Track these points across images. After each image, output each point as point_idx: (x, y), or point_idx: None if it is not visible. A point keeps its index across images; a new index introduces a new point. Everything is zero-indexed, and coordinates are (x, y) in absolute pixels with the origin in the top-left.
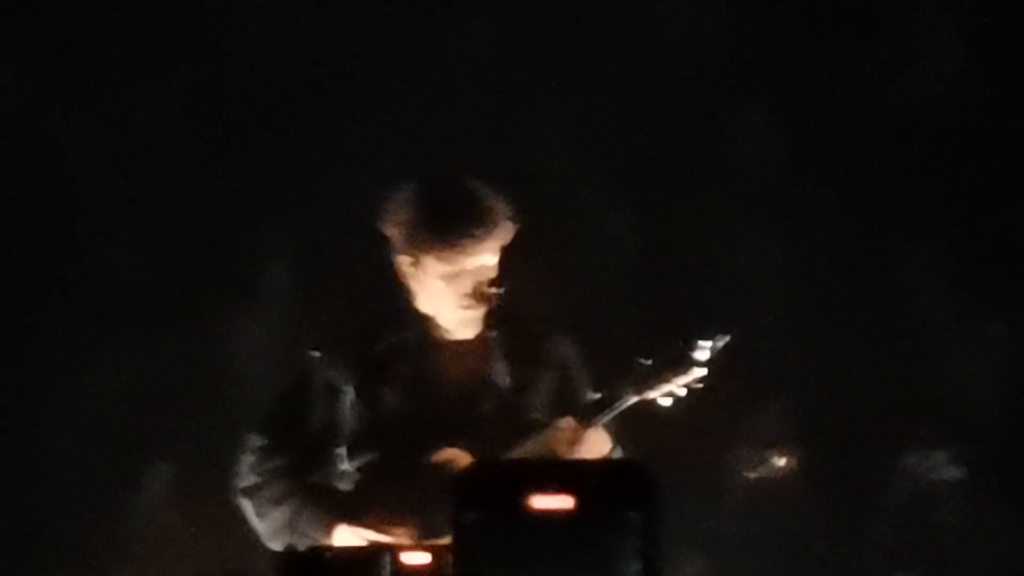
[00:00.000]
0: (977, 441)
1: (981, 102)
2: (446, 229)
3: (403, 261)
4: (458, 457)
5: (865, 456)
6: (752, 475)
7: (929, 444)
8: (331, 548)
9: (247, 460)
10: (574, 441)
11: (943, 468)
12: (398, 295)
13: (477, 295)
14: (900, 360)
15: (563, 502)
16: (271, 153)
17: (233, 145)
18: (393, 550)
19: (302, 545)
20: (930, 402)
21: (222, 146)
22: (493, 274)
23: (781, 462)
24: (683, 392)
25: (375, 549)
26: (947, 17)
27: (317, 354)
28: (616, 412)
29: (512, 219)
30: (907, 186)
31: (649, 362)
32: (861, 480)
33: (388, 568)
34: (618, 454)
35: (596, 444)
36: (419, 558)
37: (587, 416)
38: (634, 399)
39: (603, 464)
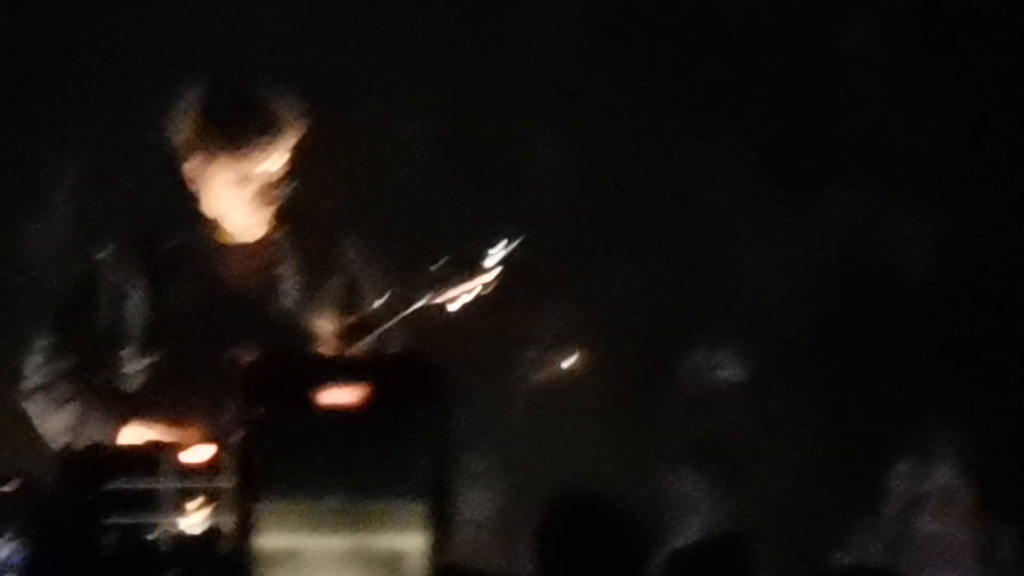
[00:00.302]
0: (765, 339)
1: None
2: (232, 135)
3: (189, 166)
4: (246, 357)
5: (653, 354)
6: (540, 376)
7: (718, 342)
8: (109, 446)
9: (32, 361)
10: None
11: (730, 366)
12: (183, 197)
13: (263, 198)
14: (691, 258)
15: (353, 396)
16: (59, 50)
17: (22, 34)
18: (172, 447)
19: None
20: (720, 299)
21: (9, 35)
22: (282, 173)
23: (568, 361)
24: (471, 297)
25: (153, 446)
26: None
27: (103, 254)
28: (401, 318)
29: (300, 120)
30: (699, 80)
31: (440, 264)
32: (648, 378)
33: (165, 464)
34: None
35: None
36: (198, 454)
37: (365, 326)
38: (422, 303)
39: (394, 358)
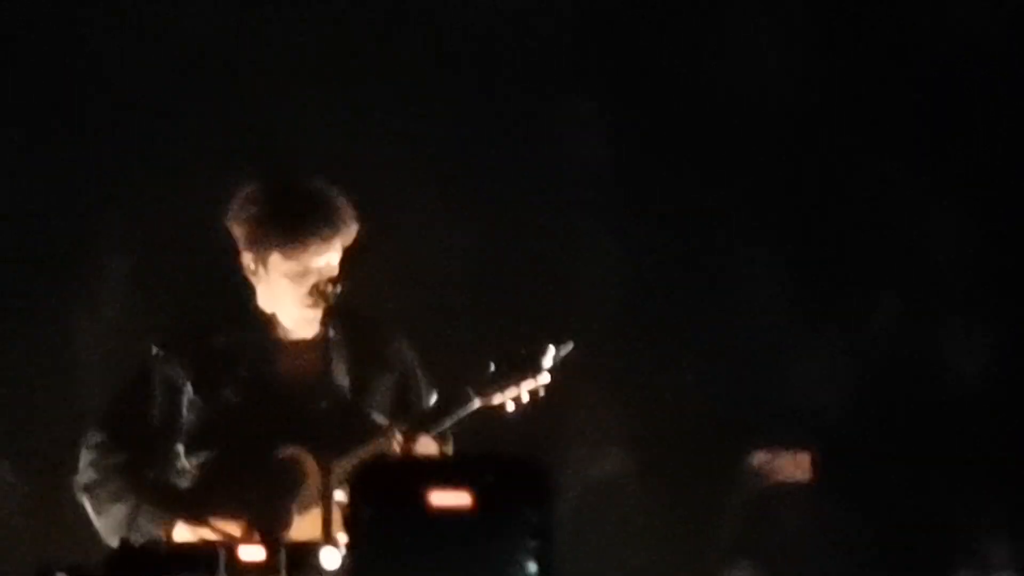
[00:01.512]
0: (820, 444)
1: (818, 106)
2: (293, 227)
3: (247, 258)
4: (300, 455)
5: (701, 458)
6: (591, 475)
7: (767, 447)
8: (167, 543)
9: (86, 456)
10: (405, 450)
11: (787, 470)
12: (239, 293)
13: (320, 294)
14: (737, 363)
15: (460, 499)
16: (114, 146)
17: (74, 136)
18: (229, 546)
19: (139, 541)
20: (772, 404)
21: (63, 136)
22: (335, 273)
23: (617, 462)
24: (526, 398)
25: (211, 544)
26: (781, 16)
27: (157, 350)
28: (456, 419)
29: (356, 220)
30: (743, 189)
31: (493, 368)
32: (698, 482)
33: (223, 564)
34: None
35: (428, 450)
36: (254, 553)
37: (420, 425)
38: (477, 405)
39: (500, 461)
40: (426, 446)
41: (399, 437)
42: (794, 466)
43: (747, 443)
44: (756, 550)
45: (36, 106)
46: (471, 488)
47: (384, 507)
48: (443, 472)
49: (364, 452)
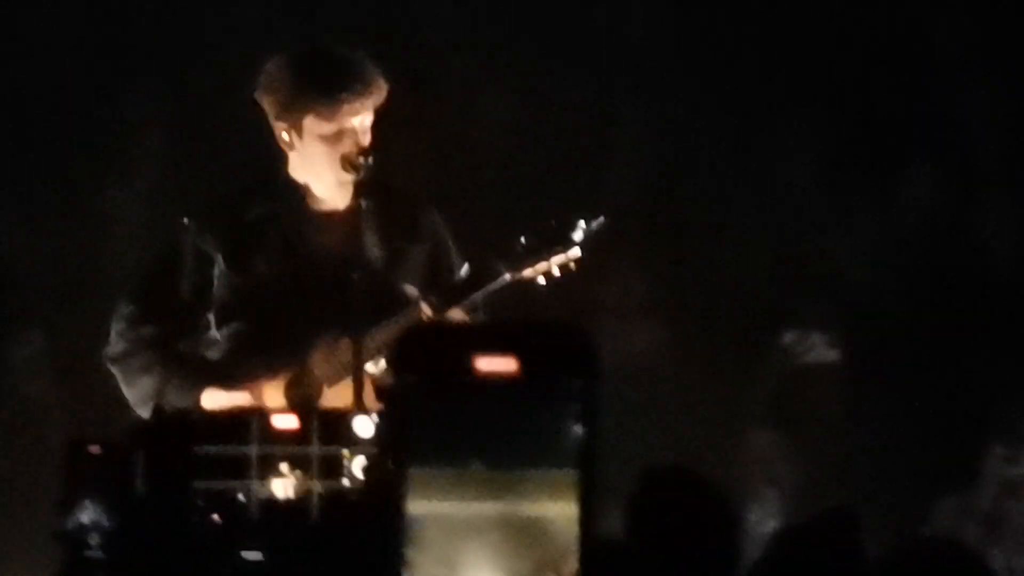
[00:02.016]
0: (855, 319)
1: None
2: (326, 86)
3: (280, 127)
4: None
5: (733, 333)
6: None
7: (804, 323)
8: (199, 410)
9: (116, 327)
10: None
11: (819, 349)
12: (269, 165)
13: (353, 159)
14: (770, 239)
15: (507, 364)
16: (144, 19)
17: (108, 10)
18: (262, 413)
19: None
20: (808, 279)
21: (98, 10)
22: (368, 138)
23: (648, 335)
24: (556, 272)
25: (243, 412)
26: None
27: (188, 221)
28: (486, 293)
29: (386, 80)
30: (779, 64)
31: (524, 242)
32: (728, 357)
33: (256, 431)
34: None
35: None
36: (287, 421)
37: (450, 297)
38: (507, 278)
39: (546, 327)
40: (455, 319)
41: (427, 309)
42: (825, 346)
43: (779, 320)
44: (783, 425)
45: None
46: (517, 354)
47: (428, 372)
48: (488, 337)
49: (395, 324)
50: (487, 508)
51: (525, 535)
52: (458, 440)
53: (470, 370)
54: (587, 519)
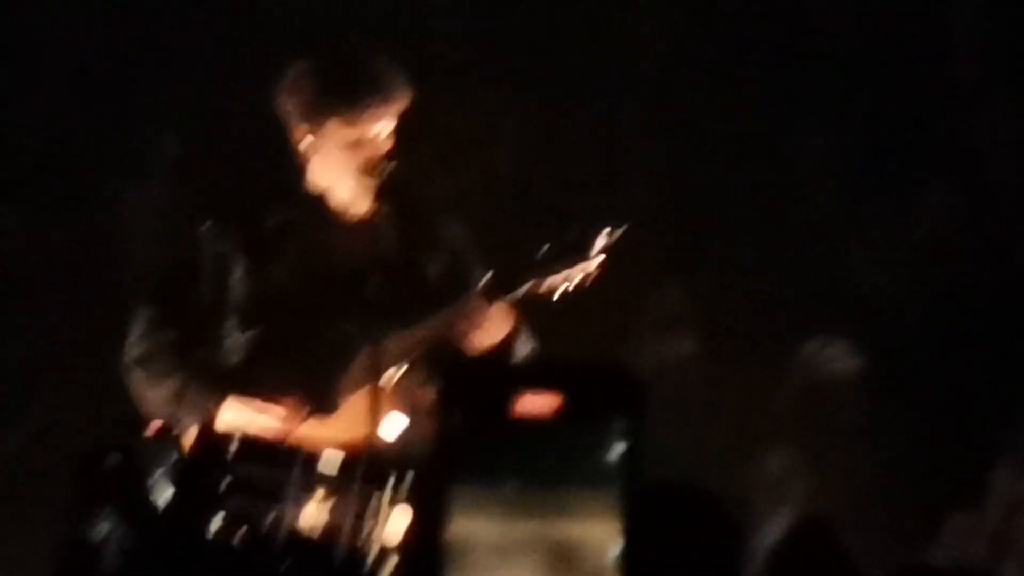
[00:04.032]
0: (871, 332)
1: None
2: (350, 92)
3: (301, 132)
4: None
5: (763, 343)
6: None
7: (827, 333)
8: (243, 437)
9: (137, 330)
10: (481, 318)
11: (841, 358)
12: (289, 171)
13: (374, 164)
14: (795, 249)
15: (550, 403)
16: (164, 24)
17: (123, 17)
18: (307, 449)
19: (189, 418)
20: (825, 291)
21: (113, 17)
22: (390, 145)
23: (680, 346)
24: (572, 286)
25: (288, 445)
26: None
27: (208, 226)
28: (520, 294)
29: (408, 89)
30: (800, 74)
31: (548, 249)
32: (758, 366)
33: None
34: (524, 337)
35: (501, 322)
36: (333, 460)
37: (493, 294)
38: (532, 284)
39: (588, 366)
40: (503, 320)
41: (477, 304)
42: (842, 360)
43: (800, 331)
44: (800, 438)
45: None
46: (560, 392)
47: (472, 408)
48: (532, 375)
49: (425, 326)
50: (528, 528)
51: (564, 558)
52: (499, 466)
53: (514, 407)
54: (629, 547)
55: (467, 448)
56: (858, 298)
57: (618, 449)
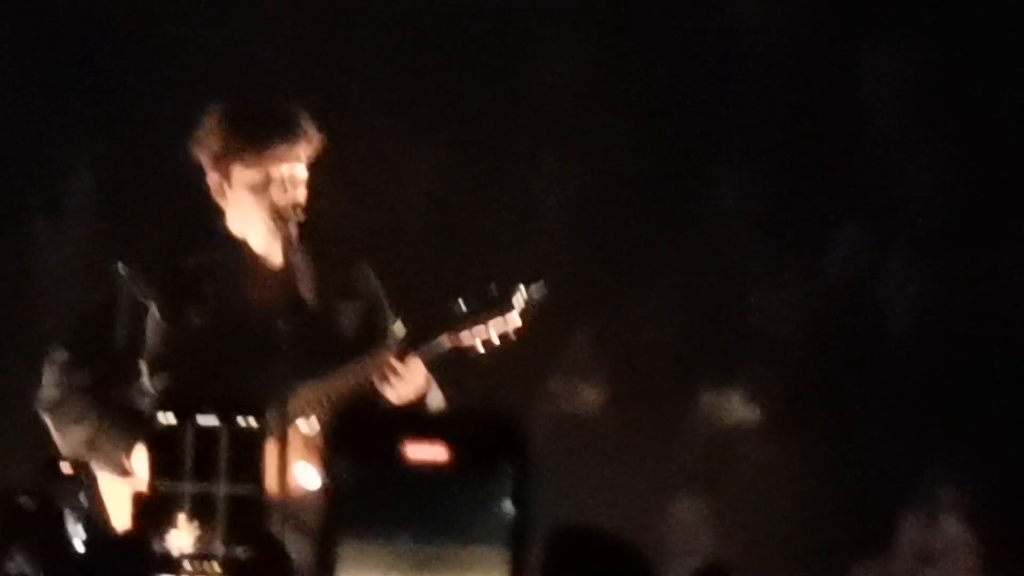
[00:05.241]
0: (777, 381)
1: (793, 44)
2: (254, 131)
3: (213, 178)
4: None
5: (669, 392)
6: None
7: (730, 382)
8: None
9: (49, 374)
10: (393, 371)
11: (743, 407)
12: (208, 216)
13: (283, 208)
14: (704, 299)
15: (437, 452)
16: (82, 69)
17: (38, 62)
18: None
19: (101, 463)
20: (733, 341)
21: (27, 62)
22: (301, 190)
23: (590, 395)
24: (496, 340)
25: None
26: None
27: (123, 269)
28: (433, 347)
29: (318, 131)
30: (711, 122)
31: (463, 307)
32: (664, 414)
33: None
34: (435, 391)
35: (415, 375)
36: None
37: (407, 348)
38: (447, 341)
39: (475, 414)
40: (417, 374)
41: (389, 358)
42: (745, 408)
43: (708, 379)
44: (705, 487)
45: (6, 23)
46: (447, 441)
47: (359, 459)
48: (418, 425)
49: (339, 376)
50: None
51: None
52: (389, 520)
53: (401, 457)
54: None
55: (353, 502)
56: (765, 346)
57: (507, 498)
